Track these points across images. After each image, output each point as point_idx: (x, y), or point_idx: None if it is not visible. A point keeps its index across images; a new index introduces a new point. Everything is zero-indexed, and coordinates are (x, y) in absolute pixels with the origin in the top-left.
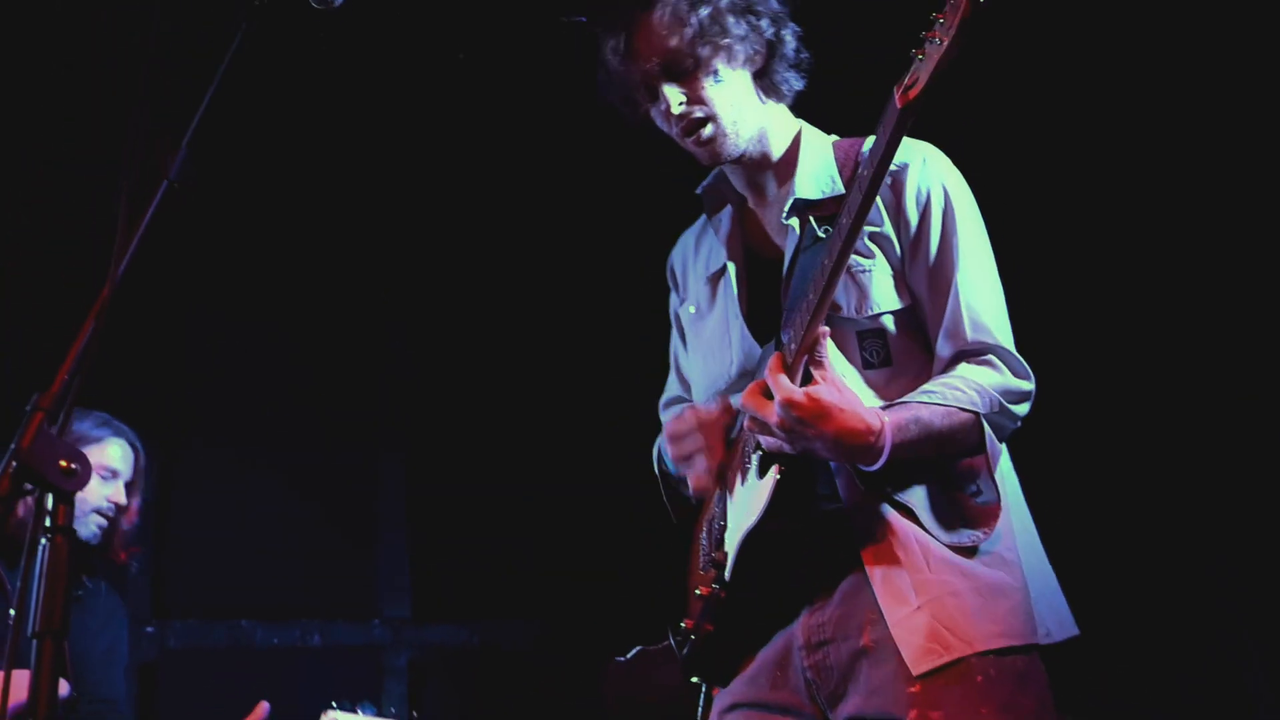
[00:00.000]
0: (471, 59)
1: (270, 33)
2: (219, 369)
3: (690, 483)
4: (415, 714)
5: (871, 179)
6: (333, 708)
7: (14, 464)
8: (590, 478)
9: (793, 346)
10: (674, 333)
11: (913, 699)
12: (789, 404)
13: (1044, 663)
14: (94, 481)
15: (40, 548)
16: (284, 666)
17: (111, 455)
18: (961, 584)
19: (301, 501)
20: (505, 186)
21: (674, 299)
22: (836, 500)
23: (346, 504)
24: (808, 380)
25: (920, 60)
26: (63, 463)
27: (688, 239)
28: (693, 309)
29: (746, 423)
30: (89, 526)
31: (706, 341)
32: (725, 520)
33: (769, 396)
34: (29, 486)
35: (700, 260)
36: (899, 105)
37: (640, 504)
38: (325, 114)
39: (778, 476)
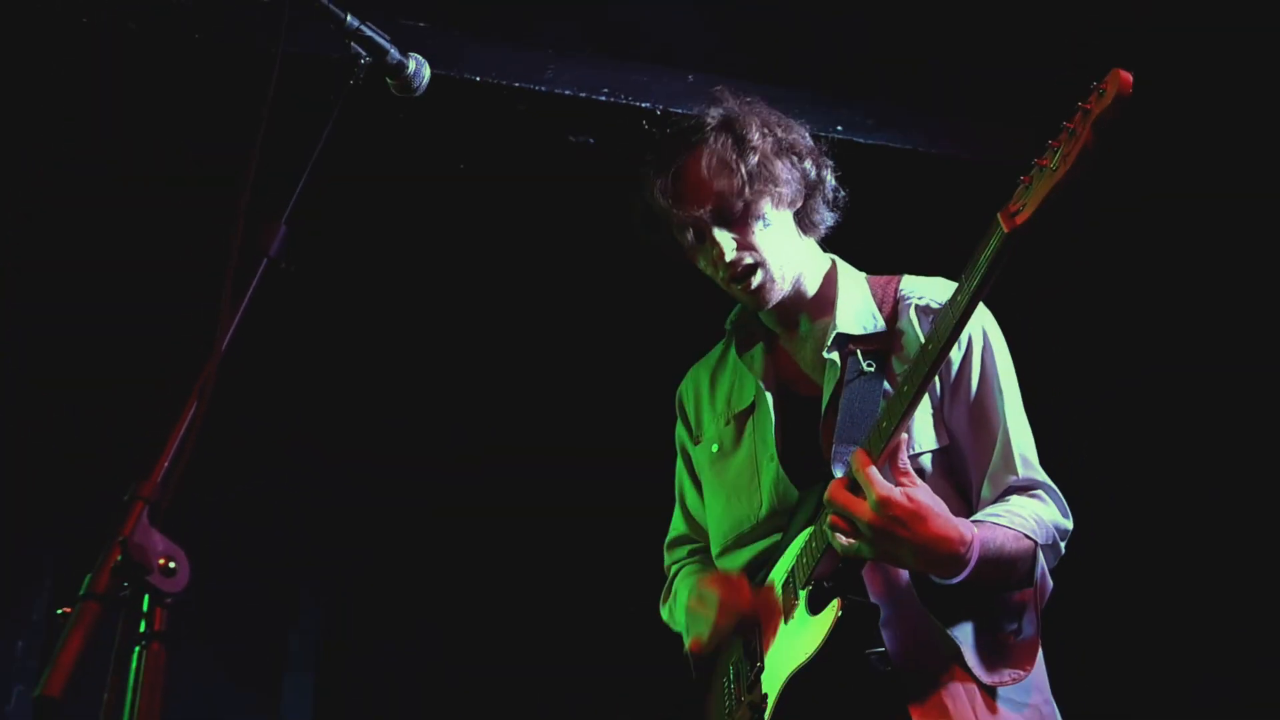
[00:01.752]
0: (471, 170)
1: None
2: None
3: (687, 642)
4: None
5: (966, 305)
6: None
7: (118, 556)
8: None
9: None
10: (680, 468)
11: None
12: (886, 502)
13: None
14: None
15: (135, 656)
16: None
17: None
18: None
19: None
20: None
21: (682, 432)
22: (880, 642)
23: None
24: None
25: (1028, 187)
26: (162, 560)
27: (700, 373)
28: (715, 448)
29: (830, 519)
30: None
31: (731, 482)
32: (761, 663)
33: (857, 494)
34: (124, 585)
35: (720, 396)
36: (1005, 230)
37: (562, 658)
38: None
39: (839, 614)
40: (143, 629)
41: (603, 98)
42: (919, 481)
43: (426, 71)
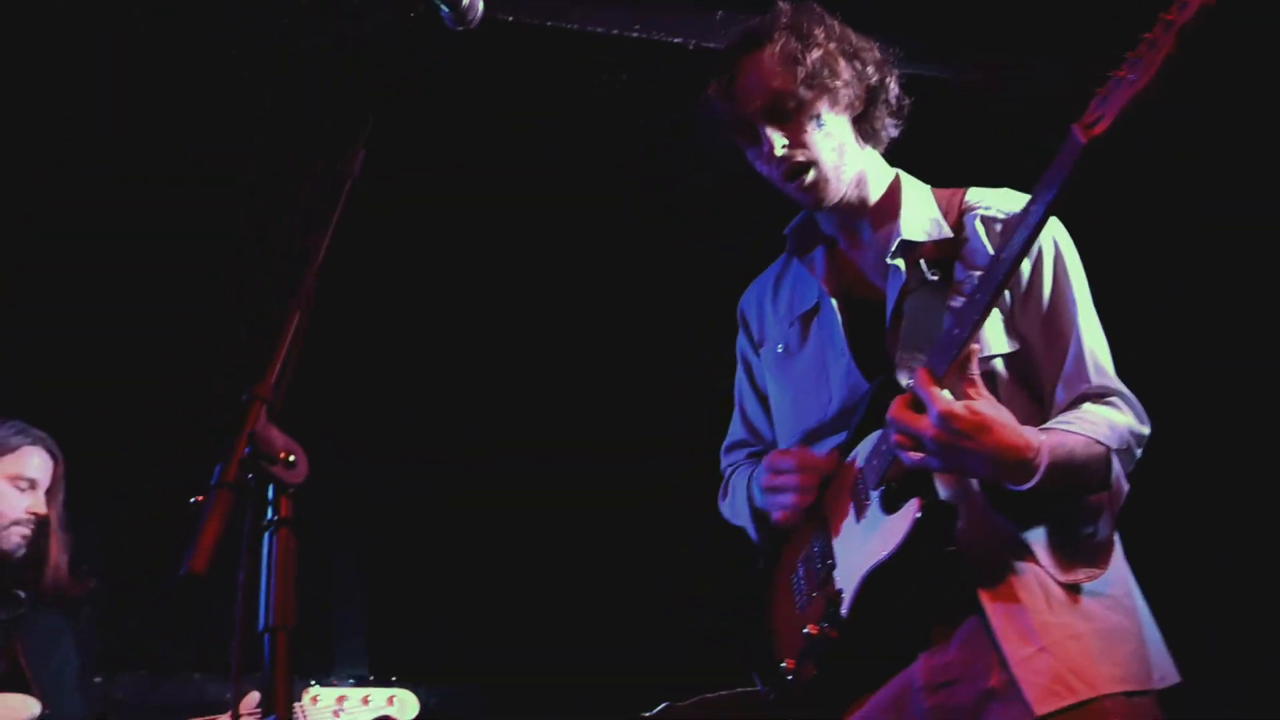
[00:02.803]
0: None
1: None
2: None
3: (775, 517)
4: None
5: (1040, 217)
6: (313, 684)
7: (246, 449)
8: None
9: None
10: (741, 376)
11: None
12: (949, 416)
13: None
14: (11, 492)
15: (265, 540)
16: None
17: (29, 464)
18: (1083, 627)
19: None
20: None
21: (743, 342)
22: (953, 541)
23: (304, 558)
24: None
25: (1104, 98)
26: (283, 454)
27: (764, 282)
28: (780, 348)
29: (894, 437)
30: (11, 539)
31: (798, 380)
32: (833, 559)
33: (918, 411)
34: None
35: (783, 300)
36: (1082, 141)
37: (596, 576)
38: None
39: (919, 515)
40: (270, 516)
41: (635, 34)
42: (984, 393)
43: (481, 2)
